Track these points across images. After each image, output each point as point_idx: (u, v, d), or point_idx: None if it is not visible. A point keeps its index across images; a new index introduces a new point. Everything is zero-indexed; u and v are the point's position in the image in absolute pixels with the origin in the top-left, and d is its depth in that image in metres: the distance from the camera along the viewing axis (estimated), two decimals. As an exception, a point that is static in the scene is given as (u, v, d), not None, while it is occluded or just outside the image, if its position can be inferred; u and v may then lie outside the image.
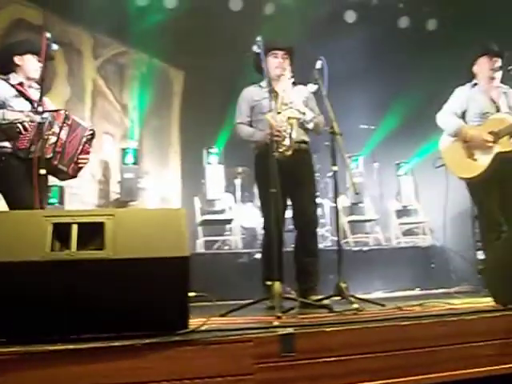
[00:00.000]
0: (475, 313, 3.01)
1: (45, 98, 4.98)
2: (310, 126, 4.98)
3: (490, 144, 5.38)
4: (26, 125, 4.65)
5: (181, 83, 11.70)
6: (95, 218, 2.54)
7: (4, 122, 4.69)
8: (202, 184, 9.74)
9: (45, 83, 4.85)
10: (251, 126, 5.26)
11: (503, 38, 6.58)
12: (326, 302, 4.53)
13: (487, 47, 5.71)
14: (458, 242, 8.69)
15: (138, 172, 9.50)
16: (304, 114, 4.99)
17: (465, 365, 2.75)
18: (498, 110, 5.57)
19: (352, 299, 4.17)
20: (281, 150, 4.79)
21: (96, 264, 2.41)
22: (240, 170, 10.12)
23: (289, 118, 4.85)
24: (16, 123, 4.65)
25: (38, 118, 4.61)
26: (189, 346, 2.37)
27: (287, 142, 4.78)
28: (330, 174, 5.34)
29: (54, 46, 4.76)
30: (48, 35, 4.73)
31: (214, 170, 9.62)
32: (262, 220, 5.45)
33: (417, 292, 8.07)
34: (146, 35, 9.34)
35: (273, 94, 5.04)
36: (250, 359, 2.42)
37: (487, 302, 3.81)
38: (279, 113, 4.42)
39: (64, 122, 4.80)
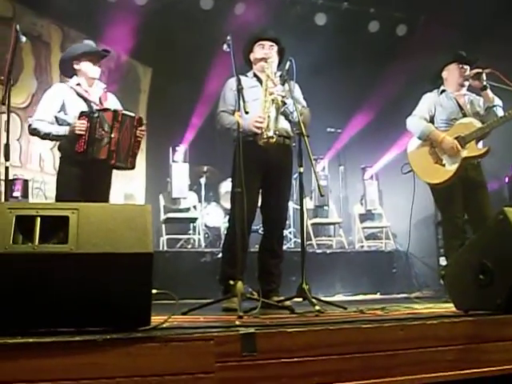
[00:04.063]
0: (436, 318, 3.02)
1: (109, 95, 5.43)
2: (294, 116, 4.86)
3: (459, 149, 5.43)
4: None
5: (149, 80, 11.66)
6: (59, 211, 2.51)
7: (59, 133, 5.06)
8: (167, 182, 9.72)
9: (11, 76, 4.87)
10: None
11: (472, 46, 6.67)
12: (287, 303, 4.54)
13: (458, 54, 5.77)
14: (420, 247, 8.78)
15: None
16: (286, 98, 4.93)
17: (424, 369, 2.76)
18: (464, 117, 5.62)
19: (314, 301, 4.17)
20: (265, 137, 4.77)
21: (59, 258, 2.38)
22: (205, 168, 10.12)
23: (272, 100, 4.83)
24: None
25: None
26: (150, 342, 2.35)
27: (271, 132, 4.76)
28: (296, 175, 5.34)
29: (23, 39, 4.79)
30: (17, 27, 4.75)
31: (180, 169, 9.60)
32: (228, 216, 5.42)
33: (378, 296, 8.12)
34: (116, 31, 9.28)
35: (258, 82, 5.15)
36: (210, 358, 2.41)
37: (448, 307, 3.84)
38: (247, 112, 4.38)
39: (114, 121, 4.97)
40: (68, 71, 5.31)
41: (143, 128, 5.23)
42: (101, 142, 4.93)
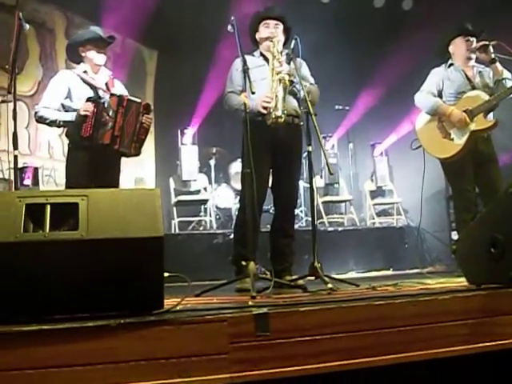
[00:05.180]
0: (448, 292, 3.01)
1: (116, 82, 5.44)
2: (301, 94, 4.78)
3: (468, 122, 5.41)
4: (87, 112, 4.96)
5: (155, 63, 11.64)
6: (69, 198, 2.52)
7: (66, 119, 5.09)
8: (176, 165, 9.74)
9: (17, 64, 4.88)
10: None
11: (479, 18, 6.61)
12: (300, 282, 4.55)
13: (463, 27, 5.72)
14: (432, 222, 8.77)
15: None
16: (293, 76, 4.89)
17: (438, 344, 2.76)
18: (473, 89, 5.59)
19: (326, 279, 4.18)
20: (274, 117, 4.73)
21: (70, 245, 2.39)
22: (214, 150, 10.12)
23: (280, 80, 4.81)
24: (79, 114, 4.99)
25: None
26: (163, 325, 2.36)
27: (279, 111, 4.72)
28: (305, 154, 5.33)
29: (26, 26, 4.79)
30: (20, 15, 4.76)
31: (189, 151, 9.61)
32: (239, 197, 5.44)
33: (390, 272, 8.13)
34: (120, 15, 9.25)
35: (265, 61, 5.12)
36: (224, 339, 2.42)
37: (461, 281, 3.84)
38: (253, 93, 4.36)
39: (119, 106, 5.00)
40: (75, 57, 5.33)
41: (150, 115, 5.23)
42: (105, 126, 4.95)
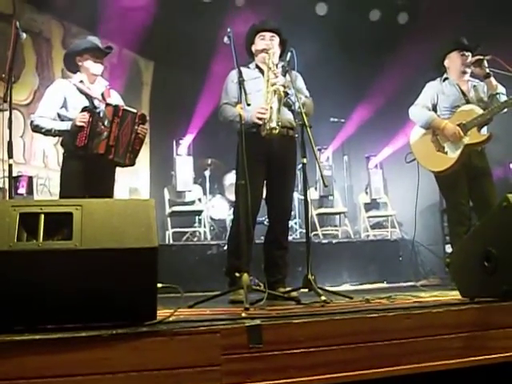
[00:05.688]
0: (442, 306, 3.02)
1: (112, 92, 5.44)
2: (297, 106, 4.75)
3: (461, 135, 5.43)
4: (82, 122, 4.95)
5: (151, 73, 11.66)
6: (63, 208, 2.51)
7: (61, 129, 5.07)
8: (171, 175, 9.74)
9: (13, 73, 4.89)
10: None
11: (474, 33, 6.63)
12: (294, 294, 4.54)
13: (458, 42, 5.75)
14: (426, 235, 8.77)
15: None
16: (288, 88, 4.90)
17: (432, 357, 2.76)
18: (467, 103, 5.61)
19: (320, 291, 4.17)
20: (268, 129, 4.73)
21: (63, 254, 2.38)
22: (209, 161, 10.13)
23: (274, 91, 4.81)
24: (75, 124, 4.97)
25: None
26: (156, 336, 2.36)
27: (273, 123, 4.72)
28: (299, 166, 5.34)
29: (23, 35, 4.80)
30: (17, 24, 4.77)
31: (184, 162, 9.62)
32: (233, 208, 5.43)
33: (384, 285, 8.13)
34: (117, 25, 9.27)
35: (260, 73, 5.15)
36: (217, 350, 2.42)
37: (454, 295, 3.84)
38: (249, 105, 4.38)
39: (114, 116, 4.99)
40: (72, 67, 5.33)
41: (145, 126, 5.23)
42: (100, 136, 4.95)
